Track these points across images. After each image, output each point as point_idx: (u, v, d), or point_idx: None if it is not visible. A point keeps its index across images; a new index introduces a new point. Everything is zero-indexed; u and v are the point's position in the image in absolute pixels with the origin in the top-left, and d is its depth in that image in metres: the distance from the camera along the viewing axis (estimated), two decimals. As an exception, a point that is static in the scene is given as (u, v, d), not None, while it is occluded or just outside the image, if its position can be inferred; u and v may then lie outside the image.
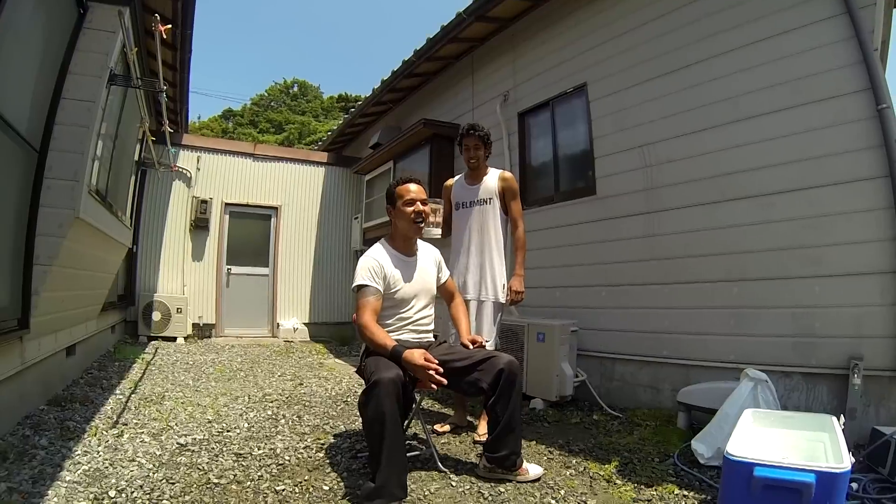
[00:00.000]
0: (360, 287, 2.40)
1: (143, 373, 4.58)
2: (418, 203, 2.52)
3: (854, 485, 2.11)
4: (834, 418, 2.04)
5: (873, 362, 2.56)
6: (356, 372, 2.63)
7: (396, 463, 2.00)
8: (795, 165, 2.88)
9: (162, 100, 4.43)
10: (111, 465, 2.34)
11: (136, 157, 5.53)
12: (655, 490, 2.29)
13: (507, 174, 3.21)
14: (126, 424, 2.99)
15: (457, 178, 3.38)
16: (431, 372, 2.12)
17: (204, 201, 7.07)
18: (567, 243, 4.31)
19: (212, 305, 7.29)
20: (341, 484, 2.28)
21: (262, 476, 2.33)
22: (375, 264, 2.44)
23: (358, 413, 3.08)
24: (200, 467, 2.40)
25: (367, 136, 8.45)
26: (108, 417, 3.11)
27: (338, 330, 8.03)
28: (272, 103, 26.54)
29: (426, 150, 5.95)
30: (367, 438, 2.09)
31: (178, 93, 5.83)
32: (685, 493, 2.25)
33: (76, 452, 2.45)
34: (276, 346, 7.06)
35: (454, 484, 2.33)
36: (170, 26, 3.72)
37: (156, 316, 6.53)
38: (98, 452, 2.48)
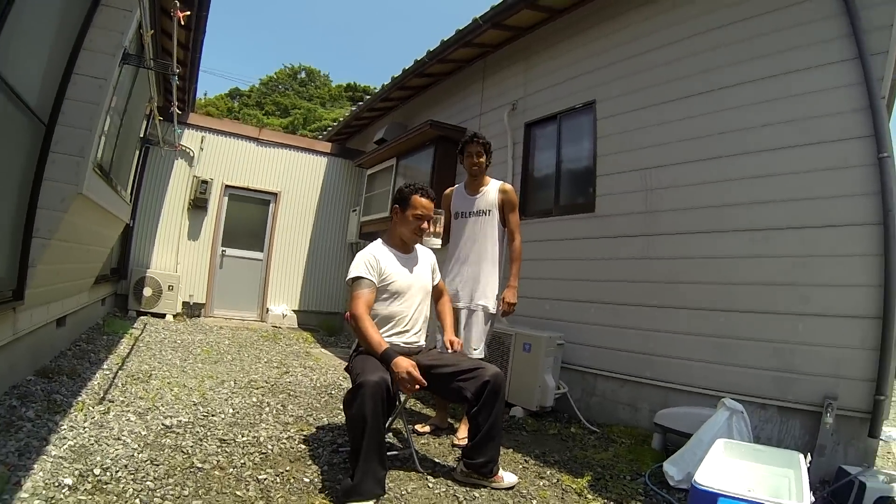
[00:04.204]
0: (356, 279, 2.46)
1: (131, 349, 4.59)
2: (426, 221, 2.62)
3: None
4: (801, 456, 2.11)
5: (847, 403, 2.63)
6: (345, 369, 2.69)
7: (376, 461, 2.06)
8: (793, 204, 2.94)
9: (173, 81, 4.43)
10: (96, 442, 2.36)
11: (141, 134, 5.52)
12: (624, 508, 2.35)
13: (508, 186, 3.26)
14: (112, 401, 3.00)
15: (457, 186, 3.42)
16: (409, 383, 2.17)
17: (204, 181, 7.07)
18: (561, 257, 4.36)
19: (203, 285, 7.30)
20: (321, 477, 2.33)
21: (244, 464, 2.37)
22: (371, 258, 2.52)
23: (341, 407, 3.14)
24: (185, 450, 2.44)
25: (372, 130, 8.46)
26: (95, 393, 3.12)
27: (326, 319, 8.06)
28: (280, 86, 26.46)
29: (430, 151, 5.97)
30: (350, 436, 2.14)
31: (188, 72, 5.80)
32: (652, 513, 2.33)
33: (62, 427, 2.46)
34: (263, 330, 7.07)
35: (431, 485, 2.39)
36: (188, 12, 3.71)
37: (147, 292, 6.52)
38: (84, 428, 2.50)
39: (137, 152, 5.67)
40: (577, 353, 4.01)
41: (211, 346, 5.35)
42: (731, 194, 3.23)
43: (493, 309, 3.16)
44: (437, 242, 3.13)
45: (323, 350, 6.21)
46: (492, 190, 3.23)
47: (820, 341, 2.76)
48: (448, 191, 3.45)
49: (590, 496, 2.47)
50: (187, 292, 7.13)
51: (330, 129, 9.57)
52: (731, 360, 3.10)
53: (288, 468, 2.39)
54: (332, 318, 8.16)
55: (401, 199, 2.64)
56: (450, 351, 2.59)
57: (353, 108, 8.57)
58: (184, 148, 7.11)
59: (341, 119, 9.25)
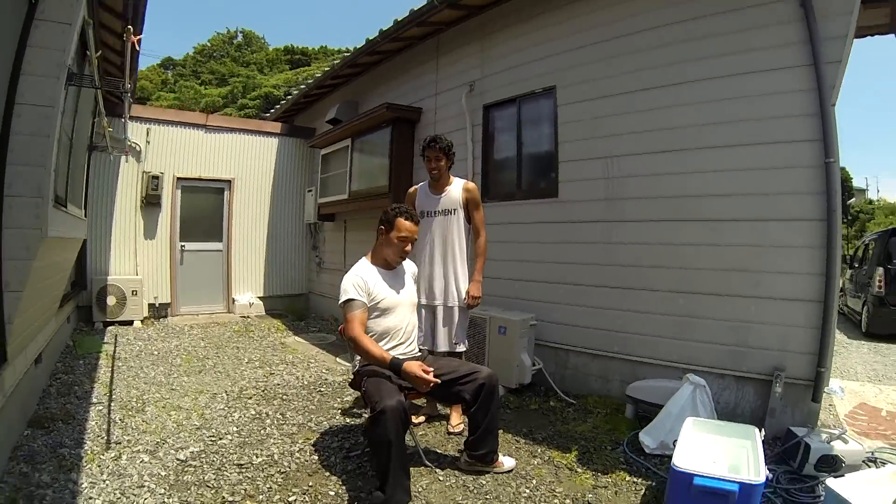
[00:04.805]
0: (347, 301, 2.61)
1: (112, 372, 4.49)
2: (410, 243, 2.76)
3: (769, 475, 2.61)
4: (756, 430, 2.48)
5: (793, 372, 3.05)
6: (350, 385, 2.86)
7: (403, 475, 2.30)
8: (747, 198, 3.21)
9: (125, 97, 4.08)
10: (123, 494, 2.39)
11: (88, 142, 5.12)
12: (610, 477, 2.73)
13: (471, 185, 3.38)
14: (119, 443, 2.99)
15: (420, 185, 3.50)
16: (423, 383, 2.40)
17: (155, 177, 6.69)
18: (527, 240, 4.51)
19: (166, 284, 7.09)
20: (344, 488, 2.53)
21: (270, 488, 2.52)
22: (359, 280, 2.66)
23: (335, 406, 3.41)
24: (209, 485, 2.52)
25: (320, 106, 8.16)
26: (98, 437, 3.09)
27: (292, 303, 8.10)
28: (215, 53, 24.64)
29: (387, 131, 5.89)
30: (375, 457, 2.33)
31: (126, 62, 5.33)
32: (634, 479, 2.70)
33: (83, 486, 2.46)
34: (233, 323, 7.06)
35: (441, 478, 2.67)
36: (141, 36, 3.40)
37: (110, 300, 6.28)
38: (105, 482, 2.52)
39: (86, 162, 5.28)
40: (549, 331, 4.27)
41: (189, 353, 5.33)
42: (690, 186, 3.46)
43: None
44: None
45: (296, 338, 6.31)
46: (455, 189, 3.34)
47: (770, 320, 3.13)
48: (412, 189, 3.52)
49: (579, 469, 2.81)
50: (151, 294, 6.92)
51: (277, 107, 9.13)
52: (692, 336, 3.46)
53: (311, 483, 2.56)
54: (297, 301, 8.21)
55: (386, 221, 2.74)
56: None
57: (303, 87, 8.18)
58: (131, 144, 6.66)
59: (281, 85, 8.91)
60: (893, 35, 4.22)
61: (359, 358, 2.72)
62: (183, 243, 7.27)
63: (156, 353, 5.28)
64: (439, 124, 5.44)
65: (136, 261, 6.80)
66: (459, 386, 2.63)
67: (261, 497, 2.43)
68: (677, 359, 3.50)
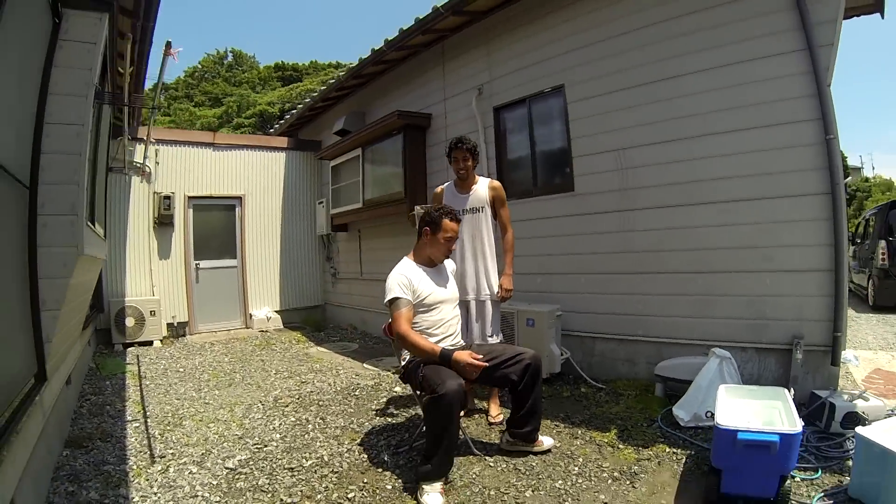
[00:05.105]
0: (394, 300, 2.73)
1: (141, 390, 4.54)
2: (455, 241, 2.93)
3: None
4: (786, 390, 2.62)
5: (811, 340, 3.21)
6: (401, 378, 2.97)
7: (450, 453, 2.48)
8: (754, 178, 3.38)
9: (154, 115, 4.18)
10: None
11: (107, 163, 5.22)
12: (651, 450, 2.86)
13: (496, 183, 3.53)
14: (163, 457, 2.99)
15: (446, 185, 3.63)
16: (473, 369, 2.54)
17: (167, 197, 6.81)
18: (546, 234, 4.67)
19: (183, 303, 7.17)
20: (400, 481, 2.61)
21: (326, 487, 2.57)
22: (403, 279, 2.79)
23: (372, 408, 3.63)
24: (264, 489, 2.55)
25: (325, 119, 8.31)
26: (140, 452, 3.08)
27: (309, 315, 8.19)
28: (206, 75, 24.79)
29: (399, 139, 6.04)
30: (431, 432, 2.49)
31: (133, 84, 5.47)
32: (674, 450, 2.83)
33: (134, 499, 2.44)
34: (253, 338, 7.12)
35: (492, 464, 2.78)
36: (181, 48, 3.52)
37: (129, 321, 6.36)
38: (157, 495, 2.50)
39: (105, 183, 5.36)
40: (574, 321, 4.42)
41: (215, 369, 5.39)
42: (699, 171, 3.63)
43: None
44: None
45: (319, 349, 6.39)
46: (481, 187, 3.48)
47: (785, 292, 3.30)
48: (438, 189, 3.65)
49: (621, 446, 2.94)
50: (169, 314, 7.01)
51: (282, 121, 9.27)
52: (712, 313, 3.62)
53: (366, 480, 2.63)
54: (314, 312, 8.30)
55: (431, 222, 2.88)
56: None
57: (307, 100, 8.33)
58: (140, 165, 6.78)
59: (275, 102, 9.00)
60: (879, 14, 4.43)
61: (406, 353, 2.83)
62: (198, 261, 7.38)
63: (181, 370, 5.33)
64: (450, 128, 5.60)
65: (152, 281, 6.89)
66: (505, 368, 2.78)
67: (319, 497, 2.46)
68: (699, 336, 3.65)
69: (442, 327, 2.89)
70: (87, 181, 3.25)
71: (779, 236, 3.31)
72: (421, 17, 5.15)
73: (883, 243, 7.30)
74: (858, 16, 4.62)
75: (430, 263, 2.95)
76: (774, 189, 3.30)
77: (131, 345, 6.46)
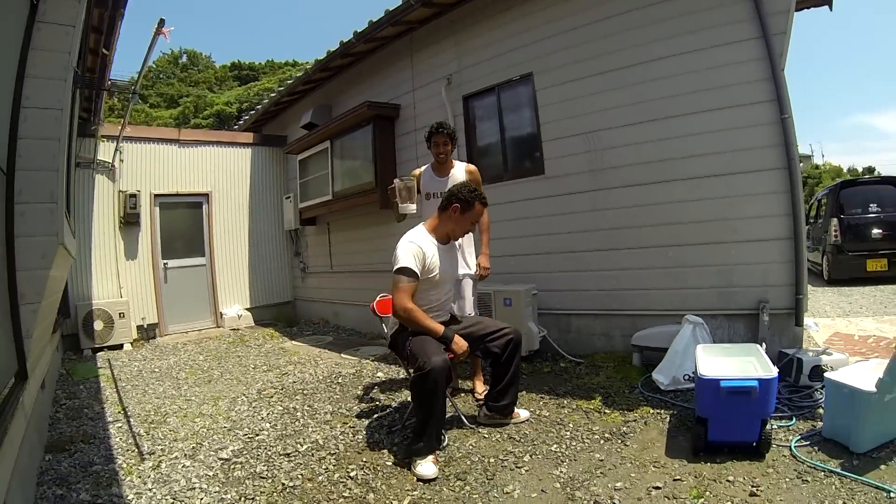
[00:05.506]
0: (403, 269, 2.67)
1: (118, 391, 4.41)
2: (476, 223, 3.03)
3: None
4: (758, 346, 2.81)
5: (776, 304, 3.45)
6: (389, 346, 3.00)
7: (439, 427, 2.58)
8: (718, 156, 3.60)
9: (132, 102, 3.99)
10: (175, 499, 2.34)
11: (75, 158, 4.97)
12: (636, 413, 3.02)
13: (472, 167, 3.64)
14: (153, 453, 2.91)
15: (424, 167, 3.71)
16: (463, 352, 2.69)
17: (132, 195, 6.55)
18: (518, 216, 4.77)
19: (152, 304, 6.94)
20: (400, 458, 2.65)
21: (327, 468, 2.58)
22: (418, 249, 2.75)
23: (360, 393, 3.68)
24: (263, 476, 2.53)
25: (290, 114, 8.19)
26: (128, 451, 2.98)
27: (280, 311, 8.09)
28: (161, 75, 23.87)
29: (368, 129, 6.03)
30: (419, 408, 2.56)
31: (96, 78, 5.23)
32: (658, 411, 3.00)
33: (129, 497, 2.37)
34: (225, 336, 6.99)
35: (486, 435, 2.88)
36: (173, 27, 3.39)
37: (98, 325, 6.10)
38: (151, 491, 2.43)
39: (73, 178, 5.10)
40: (549, 299, 4.54)
41: (191, 367, 5.28)
42: (667, 151, 3.82)
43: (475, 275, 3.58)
44: (413, 208, 3.50)
45: (294, 343, 6.35)
46: (459, 171, 3.57)
47: (750, 260, 3.53)
48: (416, 172, 3.72)
49: (607, 411, 3.09)
50: (139, 315, 6.76)
51: (246, 117, 9.07)
52: (684, 284, 3.82)
53: (364, 459, 2.66)
54: (285, 308, 8.20)
55: (465, 201, 2.83)
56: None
57: (273, 95, 8.17)
58: (107, 164, 6.51)
59: (233, 102, 8.77)
60: (828, 6, 4.75)
61: (394, 323, 2.88)
62: (165, 261, 7.15)
63: (156, 370, 5.19)
64: (419, 118, 5.63)
65: (120, 282, 6.63)
66: (489, 342, 2.88)
67: (320, 478, 2.47)
68: (672, 307, 3.84)
69: (438, 304, 2.93)
70: (64, 169, 3.14)
71: (743, 209, 3.53)
72: (391, 9, 5.17)
73: (835, 221, 7.71)
74: (809, 8, 4.93)
75: (445, 240, 2.94)
76: (738, 165, 3.52)
77: (101, 349, 6.21)
